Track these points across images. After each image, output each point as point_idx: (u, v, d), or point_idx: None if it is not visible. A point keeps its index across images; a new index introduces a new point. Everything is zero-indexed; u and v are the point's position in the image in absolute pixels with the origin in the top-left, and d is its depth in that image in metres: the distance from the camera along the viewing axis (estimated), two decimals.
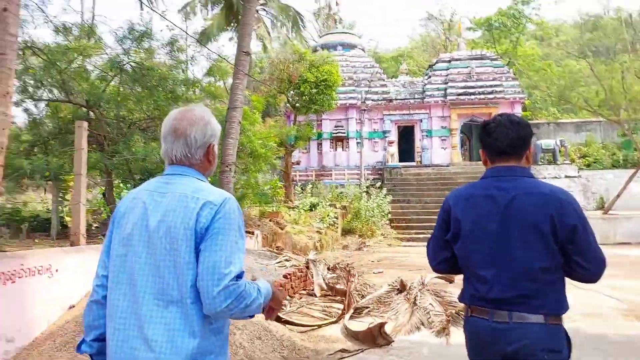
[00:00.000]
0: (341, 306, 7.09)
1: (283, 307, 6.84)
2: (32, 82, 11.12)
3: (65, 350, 4.26)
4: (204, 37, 21.58)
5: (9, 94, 5.23)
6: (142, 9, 13.58)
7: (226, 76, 20.10)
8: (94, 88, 11.06)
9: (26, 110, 11.62)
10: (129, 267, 1.65)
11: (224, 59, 16.72)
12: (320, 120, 24.83)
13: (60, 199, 11.61)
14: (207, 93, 12.76)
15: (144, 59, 11.54)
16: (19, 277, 4.52)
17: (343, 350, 5.36)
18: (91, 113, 11.31)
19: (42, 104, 11.72)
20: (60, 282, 5.01)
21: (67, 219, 12.31)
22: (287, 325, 6.03)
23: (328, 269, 9.40)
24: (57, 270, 5.00)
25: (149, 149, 9.62)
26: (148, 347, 1.57)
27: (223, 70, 18.42)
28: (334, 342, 5.72)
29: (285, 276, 7.68)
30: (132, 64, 11.21)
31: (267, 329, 5.41)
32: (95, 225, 13.47)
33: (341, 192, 20.59)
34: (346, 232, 18.53)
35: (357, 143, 24.76)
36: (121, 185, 13.76)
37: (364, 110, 24.45)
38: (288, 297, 7.60)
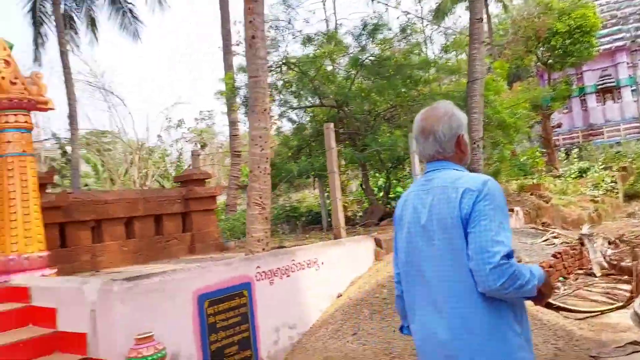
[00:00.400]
0: (629, 287, 6.01)
1: (555, 292, 6.18)
2: (291, 93, 12.60)
3: (336, 337, 4.63)
4: (439, 14, 21.19)
5: (266, 110, 5.96)
6: (372, 1, 14.00)
7: (465, 48, 19.30)
8: (341, 88, 11.88)
9: (290, 119, 13.22)
10: (415, 262, 1.85)
11: (459, 32, 16.03)
12: (580, 73, 21.84)
13: (327, 194, 12.80)
14: (444, 70, 12.42)
15: (383, 49, 11.90)
16: (292, 272, 5.09)
17: (635, 343, 4.51)
18: (341, 112, 12.18)
19: (301, 111, 13.15)
20: (326, 273, 5.48)
21: None
22: (560, 312, 5.39)
23: (609, 243, 8.16)
24: (322, 263, 5.47)
25: (393, 137, 9.85)
26: (445, 329, 1.73)
27: (461, 43, 17.74)
28: (622, 332, 4.88)
29: (554, 255, 6.93)
30: (370, 58, 11.66)
31: (537, 317, 4.92)
32: (359, 214, 14.41)
33: (617, 152, 17.69)
34: (630, 197, 15.85)
35: (632, 91, 20.98)
36: (377, 175, 14.49)
37: (637, 50, 20.47)
38: (561, 279, 6.84)
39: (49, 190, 6.71)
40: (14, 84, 4.72)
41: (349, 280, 5.78)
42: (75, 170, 16.61)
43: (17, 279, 4.57)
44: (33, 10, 18.28)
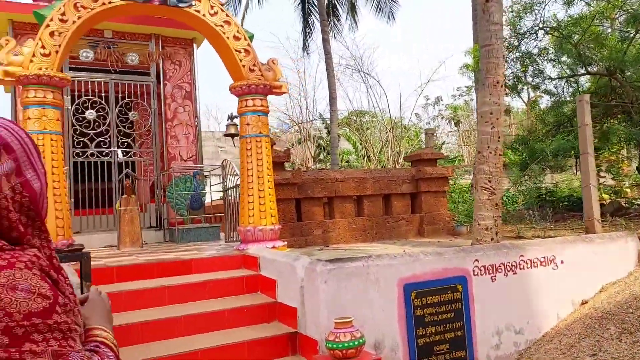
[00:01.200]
0: None
1: None
2: (549, 61, 11.11)
3: (568, 354, 3.82)
4: None
5: (499, 83, 5.26)
6: None
7: None
8: (613, 53, 9.94)
9: (546, 91, 11.69)
10: None
11: None
12: None
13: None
14: None
15: None
16: (520, 269, 4.40)
17: None
18: (614, 81, 10.21)
19: (561, 82, 11.49)
20: (566, 274, 4.59)
21: (604, 196, 11.53)
22: None
23: None
24: (562, 262, 4.61)
25: None
26: None
27: None
28: None
29: None
30: None
31: None
32: (637, 202, 12.03)
33: None
34: None
35: None
36: None
37: None
38: None
39: (312, 166, 7.25)
40: (252, 70, 5.17)
41: (598, 286, 4.75)
42: (334, 147, 17.98)
43: (252, 249, 5.05)
44: (303, 2, 20.38)
